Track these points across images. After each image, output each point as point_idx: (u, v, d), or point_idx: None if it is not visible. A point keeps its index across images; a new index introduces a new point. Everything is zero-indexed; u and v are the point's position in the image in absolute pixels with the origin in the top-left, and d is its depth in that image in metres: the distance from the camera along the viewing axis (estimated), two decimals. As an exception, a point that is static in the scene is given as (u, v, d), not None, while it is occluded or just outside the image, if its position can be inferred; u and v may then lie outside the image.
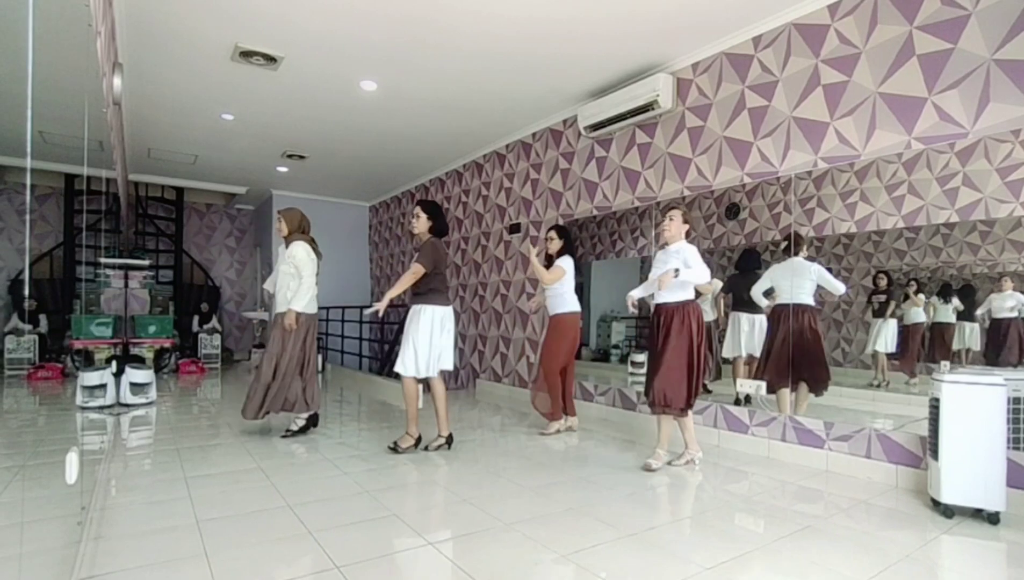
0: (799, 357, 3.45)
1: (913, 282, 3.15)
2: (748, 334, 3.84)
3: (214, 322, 8.62)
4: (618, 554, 2.07)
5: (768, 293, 3.66)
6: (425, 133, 6.00)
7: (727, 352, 3.98)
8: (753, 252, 3.81)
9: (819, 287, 3.45)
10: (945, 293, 3.07)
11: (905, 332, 3.24)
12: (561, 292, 4.11)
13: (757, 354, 3.76)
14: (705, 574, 1.91)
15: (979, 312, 2.93)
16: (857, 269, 3.34)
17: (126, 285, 7.40)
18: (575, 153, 5.21)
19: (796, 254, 3.46)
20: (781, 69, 3.57)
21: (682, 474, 3.16)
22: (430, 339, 3.43)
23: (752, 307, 3.80)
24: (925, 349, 3.18)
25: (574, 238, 5.29)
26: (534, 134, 5.71)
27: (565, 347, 4.13)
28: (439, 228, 3.60)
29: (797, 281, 3.46)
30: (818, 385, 3.44)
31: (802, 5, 3.41)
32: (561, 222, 5.34)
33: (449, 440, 3.61)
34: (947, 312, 3.07)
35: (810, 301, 3.45)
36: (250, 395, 3.78)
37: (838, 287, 3.36)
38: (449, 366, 3.50)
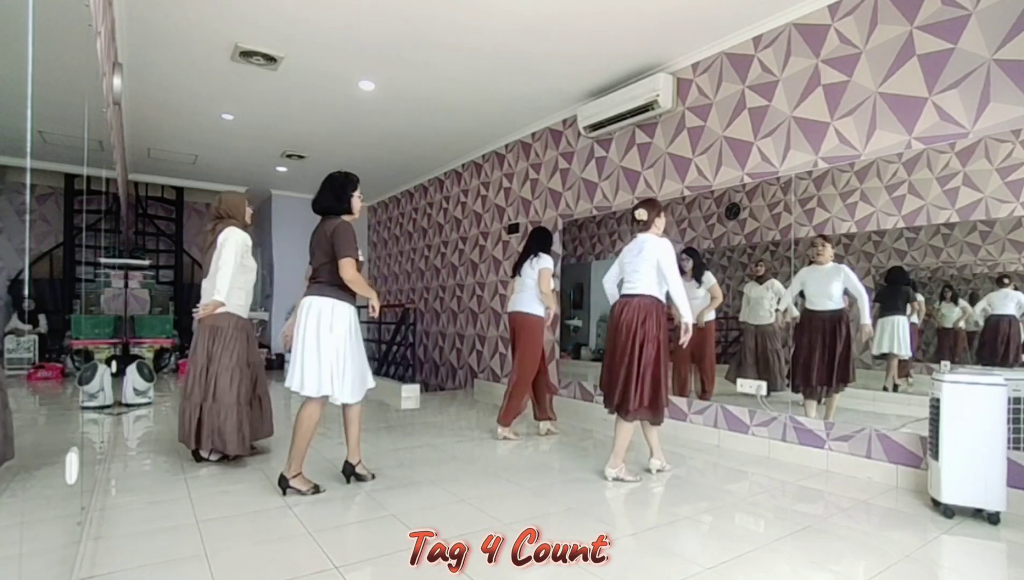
0: None
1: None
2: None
3: (214, 322, 8.60)
4: (618, 554, 2.07)
5: None
6: (424, 133, 6.00)
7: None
8: None
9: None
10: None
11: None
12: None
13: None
14: (705, 574, 1.91)
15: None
16: (857, 269, 3.34)
17: (126, 285, 7.40)
18: (575, 153, 5.21)
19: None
20: (781, 69, 3.57)
21: (683, 475, 3.16)
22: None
23: None
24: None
25: (574, 238, 5.32)
26: (533, 134, 5.71)
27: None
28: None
29: None
30: None
31: (802, 5, 3.41)
32: (561, 223, 5.34)
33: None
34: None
35: None
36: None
37: None
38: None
